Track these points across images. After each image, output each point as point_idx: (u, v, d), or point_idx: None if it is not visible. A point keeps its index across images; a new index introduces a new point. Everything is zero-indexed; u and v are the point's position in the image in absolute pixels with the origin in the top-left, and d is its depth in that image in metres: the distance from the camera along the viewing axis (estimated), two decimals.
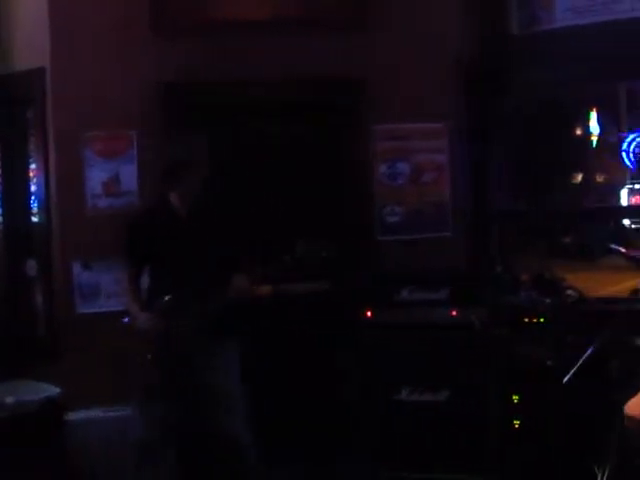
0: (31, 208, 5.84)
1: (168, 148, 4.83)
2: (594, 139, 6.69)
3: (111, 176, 5.61)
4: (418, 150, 5.88)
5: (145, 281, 4.82)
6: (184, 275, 4.59)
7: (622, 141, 5.96)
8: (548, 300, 5.13)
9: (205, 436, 4.87)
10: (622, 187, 6.07)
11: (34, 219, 5.82)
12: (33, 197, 5.82)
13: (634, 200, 6.20)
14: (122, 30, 5.59)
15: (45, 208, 5.67)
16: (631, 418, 2.87)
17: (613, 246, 4.90)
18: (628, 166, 6.02)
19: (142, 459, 4.64)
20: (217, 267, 4.63)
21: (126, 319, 4.74)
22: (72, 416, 5.22)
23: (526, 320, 5.16)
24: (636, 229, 6.31)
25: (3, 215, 5.89)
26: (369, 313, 5.33)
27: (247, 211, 5.31)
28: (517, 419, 5.08)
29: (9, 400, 5.01)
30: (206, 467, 5.06)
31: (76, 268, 5.50)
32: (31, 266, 5.77)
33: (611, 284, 5.38)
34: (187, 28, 5.67)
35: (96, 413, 5.25)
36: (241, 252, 4.72)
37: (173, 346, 4.54)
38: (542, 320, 5.10)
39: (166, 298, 4.56)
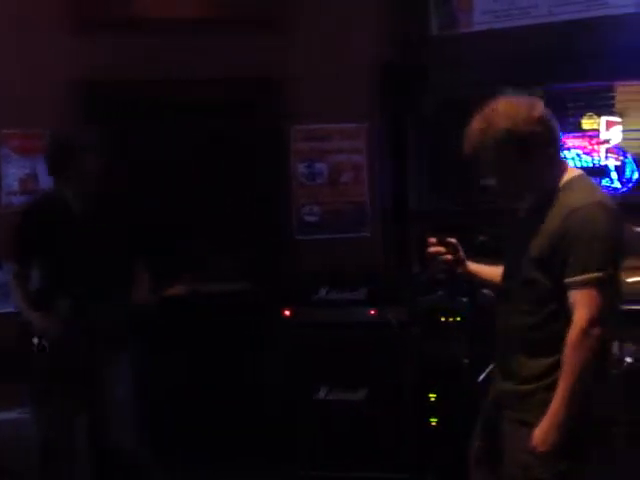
0: None
1: (55, 137, 4.60)
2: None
3: (28, 173, 5.52)
4: (336, 150, 5.90)
5: (35, 278, 4.59)
6: (76, 275, 4.41)
7: None
8: (465, 299, 5.16)
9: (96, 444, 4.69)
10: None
11: None
12: None
13: None
14: (41, 27, 5.52)
15: None
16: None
17: None
18: None
19: (46, 460, 4.51)
20: (114, 268, 4.46)
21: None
22: None
23: (443, 319, 5.20)
24: None
25: None
26: (288, 313, 5.32)
27: (159, 210, 5.28)
28: (434, 417, 5.12)
29: None
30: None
31: None
32: None
33: None
34: (108, 26, 5.62)
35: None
36: (142, 253, 4.59)
37: (68, 350, 4.36)
38: (458, 319, 5.15)
39: (63, 300, 4.37)
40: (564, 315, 2.98)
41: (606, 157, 6.00)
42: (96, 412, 4.54)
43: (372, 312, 5.22)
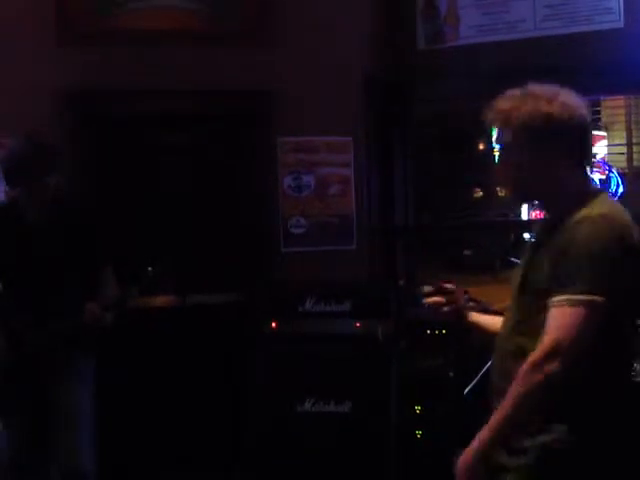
0: None
1: (14, 146, 4.45)
2: (497, 154, 6.77)
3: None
4: (324, 163, 5.90)
5: None
6: (32, 289, 4.32)
7: None
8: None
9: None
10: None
11: None
12: None
13: (534, 214, 6.30)
14: (24, 37, 5.51)
15: None
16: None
17: (513, 259, 4.96)
18: None
19: (10, 475, 4.42)
20: (72, 282, 4.36)
21: None
22: None
23: (428, 332, 5.21)
24: None
25: None
26: (274, 324, 5.32)
27: (142, 223, 5.26)
28: (419, 430, 5.12)
29: None
30: None
31: None
32: None
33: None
34: (92, 37, 5.61)
35: None
36: (110, 265, 4.51)
37: (25, 365, 4.28)
38: (444, 332, 5.16)
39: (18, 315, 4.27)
40: None
41: (591, 171, 6.03)
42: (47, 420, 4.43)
43: (358, 324, 5.22)
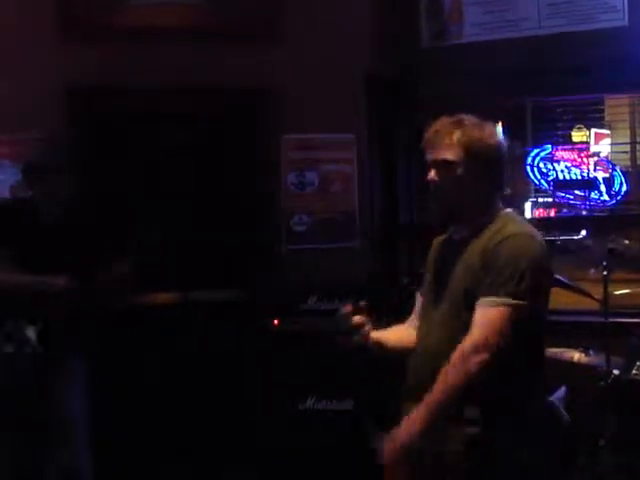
0: None
1: (34, 147, 4.61)
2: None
3: (19, 180, 5.50)
4: (327, 160, 5.90)
5: None
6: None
7: (527, 155, 6.06)
8: None
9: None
10: (526, 200, 6.16)
11: None
12: None
13: (538, 213, 6.29)
14: (28, 34, 5.51)
15: None
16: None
17: None
18: (532, 180, 6.11)
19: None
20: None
21: None
22: None
23: None
24: None
25: None
26: (276, 322, 5.32)
27: (145, 219, 5.27)
28: None
29: None
30: None
31: None
32: None
33: None
34: (91, 34, 5.60)
35: None
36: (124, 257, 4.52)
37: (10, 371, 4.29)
38: None
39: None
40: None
41: (595, 170, 6.03)
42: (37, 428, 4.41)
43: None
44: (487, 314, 2.83)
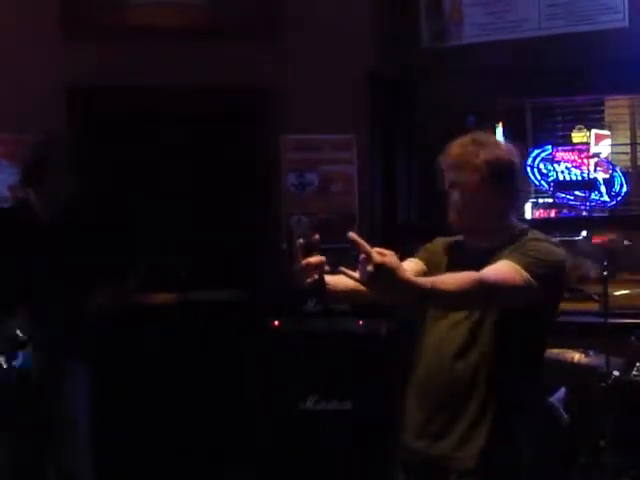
0: None
1: (33, 146, 4.57)
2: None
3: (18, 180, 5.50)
4: (327, 161, 5.89)
5: None
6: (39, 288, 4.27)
7: (527, 156, 6.05)
8: None
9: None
10: (526, 201, 6.16)
11: None
12: None
13: (538, 214, 6.29)
14: (28, 34, 5.52)
15: None
16: None
17: None
18: (532, 180, 6.11)
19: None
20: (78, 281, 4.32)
21: None
22: None
23: None
24: None
25: None
26: (276, 322, 5.32)
27: (145, 219, 5.26)
28: None
29: None
30: None
31: None
32: None
33: None
34: (92, 34, 5.61)
35: None
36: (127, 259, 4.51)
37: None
38: None
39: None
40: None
41: (595, 170, 6.02)
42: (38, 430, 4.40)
43: (360, 322, 5.22)
44: (502, 267, 2.83)
